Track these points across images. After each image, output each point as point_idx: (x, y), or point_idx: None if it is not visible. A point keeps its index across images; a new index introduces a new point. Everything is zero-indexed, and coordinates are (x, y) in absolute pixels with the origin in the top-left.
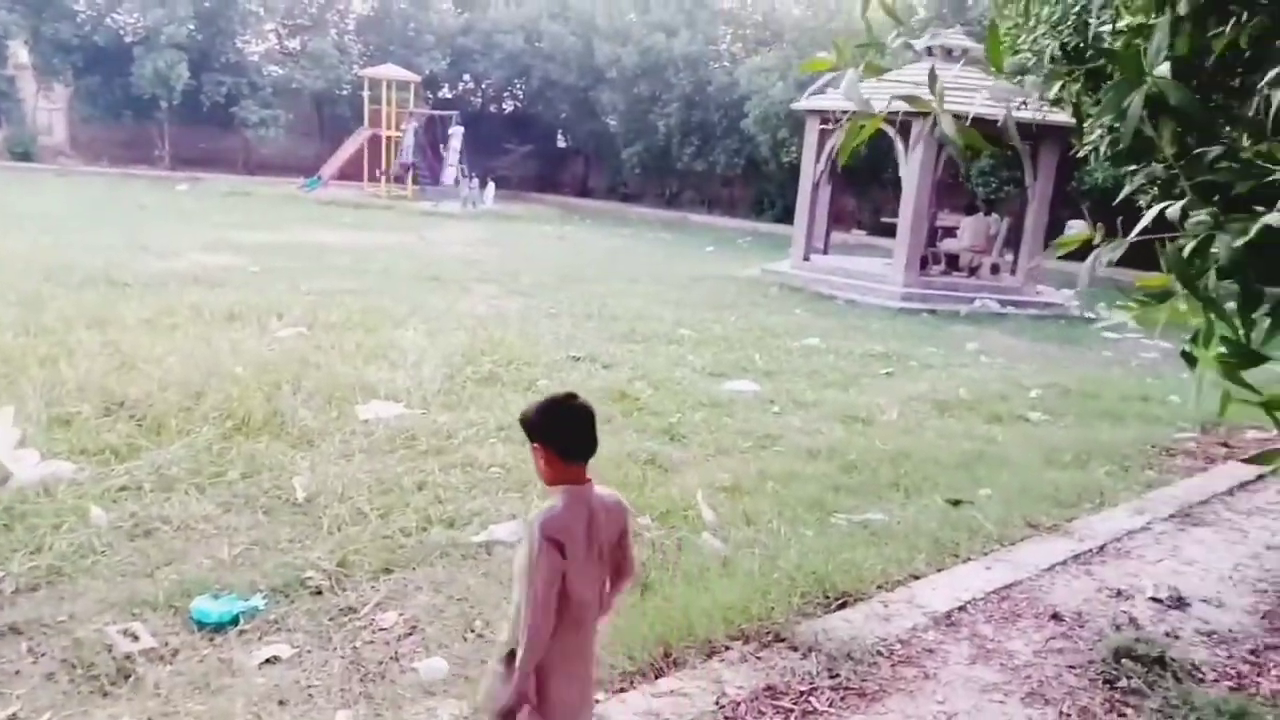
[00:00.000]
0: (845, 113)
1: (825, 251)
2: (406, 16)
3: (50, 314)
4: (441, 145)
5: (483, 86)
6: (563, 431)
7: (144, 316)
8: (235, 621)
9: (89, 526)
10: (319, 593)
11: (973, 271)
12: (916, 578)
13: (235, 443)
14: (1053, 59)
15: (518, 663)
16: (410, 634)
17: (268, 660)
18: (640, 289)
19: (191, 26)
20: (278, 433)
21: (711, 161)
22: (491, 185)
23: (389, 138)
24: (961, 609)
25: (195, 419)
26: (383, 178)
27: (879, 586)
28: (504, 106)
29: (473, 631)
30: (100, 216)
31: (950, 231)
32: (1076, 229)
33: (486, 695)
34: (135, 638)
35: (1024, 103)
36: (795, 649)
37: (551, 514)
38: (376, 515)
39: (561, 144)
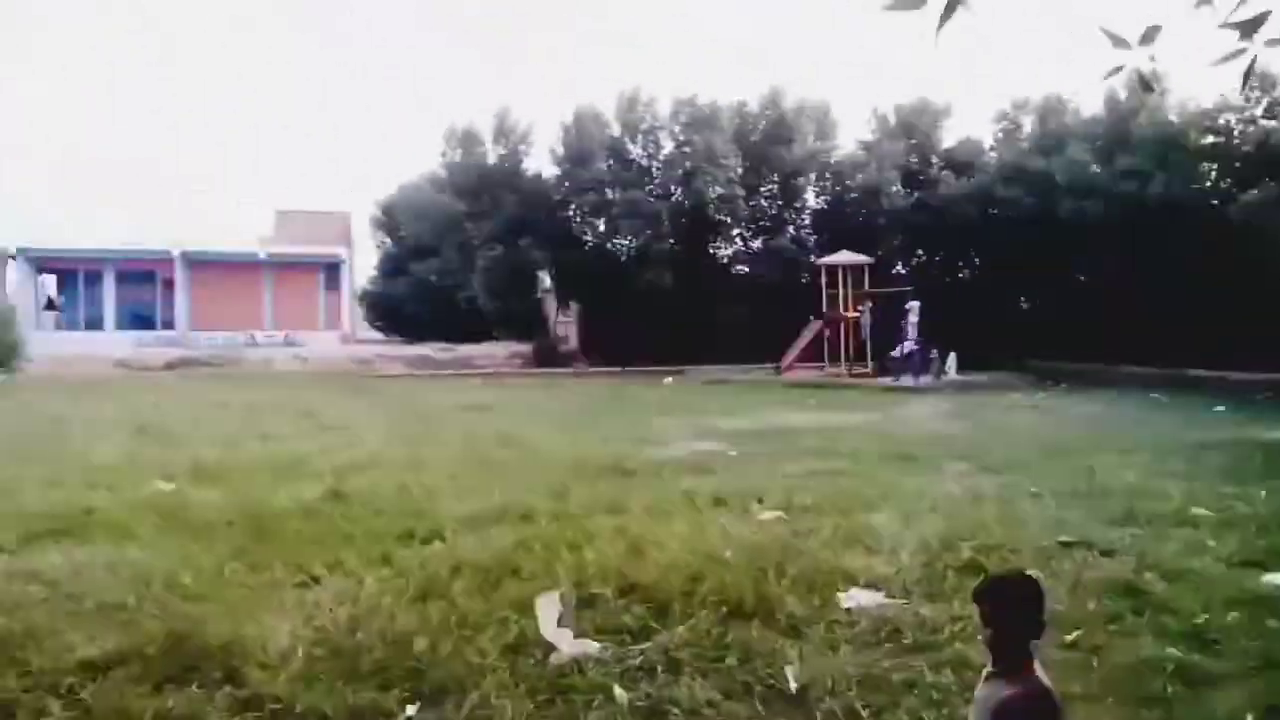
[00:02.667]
0: None
1: None
2: (858, 204)
3: (574, 502)
4: (902, 321)
5: (936, 259)
6: (1011, 611)
7: (647, 503)
8: None
9: (613, 704)
10: None
11: None
12: None
13: (731, 628)
14: None
15: None
16: None
17: None
18: (1136, 460)
19: (672, 240)
20: (767, 619)
21: (1210, 306)
22: (953, 356)
23: (846, 320)
24: None
25: (695, 603)
26: (843, 358)
27: None
28: (960, 276)
29: None
30: (606, 412)
31: None
32: None
33: None
34: None
35: None
36: None
37: (1012, 701)
38: (869, 715)
39: (1025, 306)
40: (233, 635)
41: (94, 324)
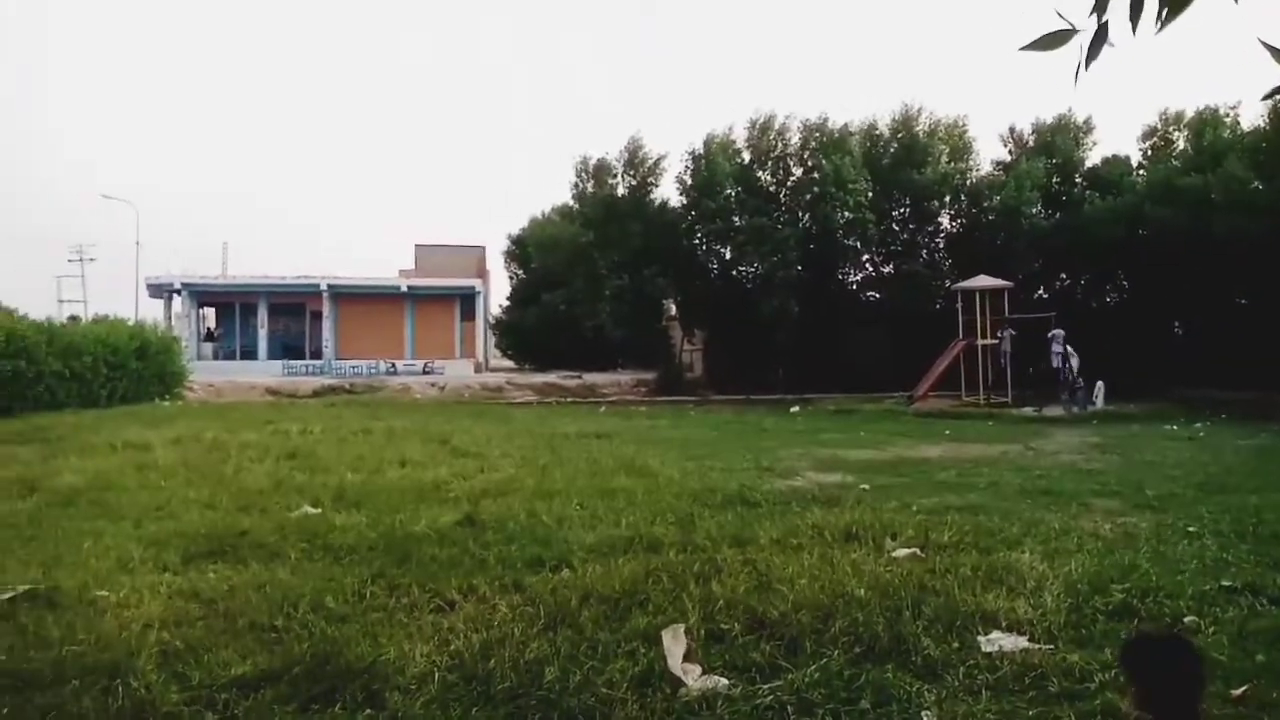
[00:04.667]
0: None
1: None
2: (995, 227)
3: (700, 533)
4: (1053, 351)
5: (1080, 282)
6: (1157, 675)
7: (774, 536)
8: None
9: None
10: None
11: None
12: None
13: (863, 669)
14: None
15: None
16: None
17: None
18: None
19: (800, 268)
20: (902, 661)
21: None
22: (1101, 385)
23: (983, 347)
24: None
25: (826, 641)
26: (980, 387)
27: None
28: (1106, 300)
29: None
30: (731, 441)
31: None
32: None
33: None
34: None
35: None
36: None
37: None
38: None
39: (1178, 331)
40: (373, 657)
41: (248, 353)
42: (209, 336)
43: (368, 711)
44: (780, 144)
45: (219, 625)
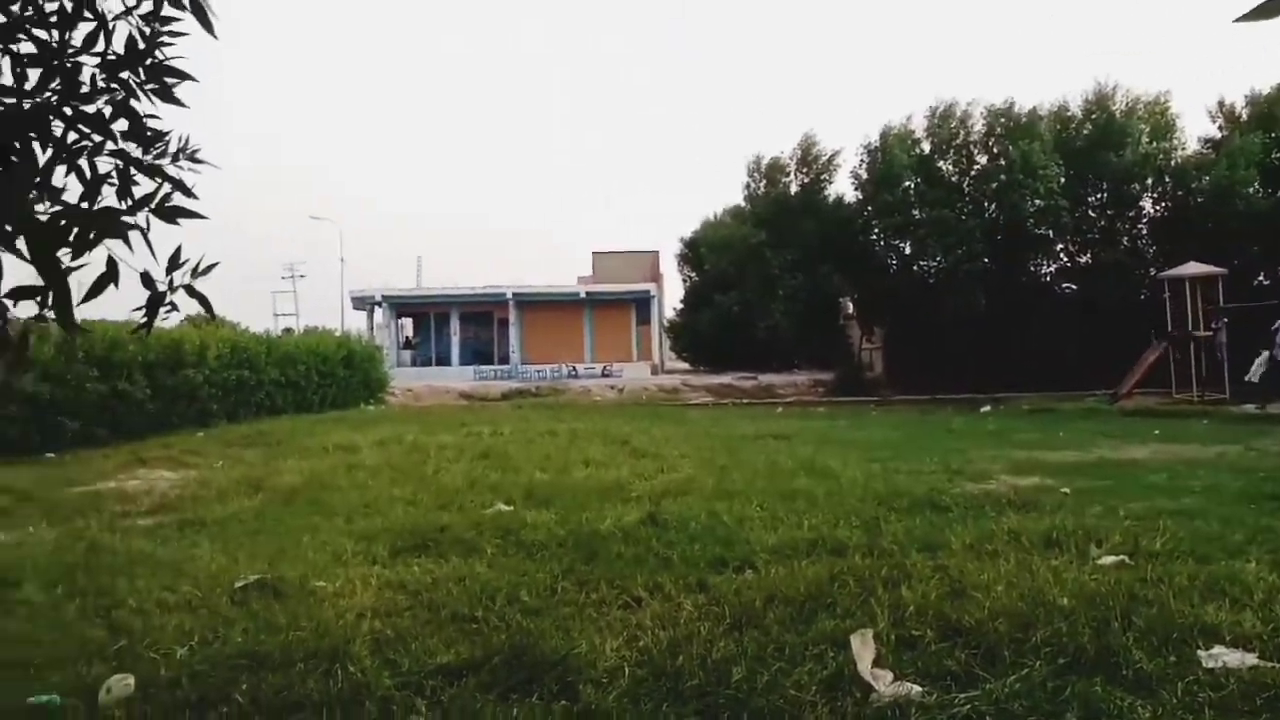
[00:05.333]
0: None
1: None
2: (1205, 210)
3: (886, 537)
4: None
5: None
6: None
7: (967, 541)
8: None
9: None
10: None
11: None
12: None
13: (1068, 681)
14: None
15: None
16: None
17: None
18: None
19: (986, 260)
20: (1112, 674)
21: None
22: None
23: (1197, 340)
24: None
25: (1026, 651)
26: (1193, 383)
27: None
28: None
29: None
30: (915, 442)
31: None
32: None
33: None
34: None
35: None
36: None
37: None
38: None
39: None
40: (565, 651)
41: (443, 360)
42: (407, 345)
43: (563, 702)
44: (962, 132)
45: (424, 615)
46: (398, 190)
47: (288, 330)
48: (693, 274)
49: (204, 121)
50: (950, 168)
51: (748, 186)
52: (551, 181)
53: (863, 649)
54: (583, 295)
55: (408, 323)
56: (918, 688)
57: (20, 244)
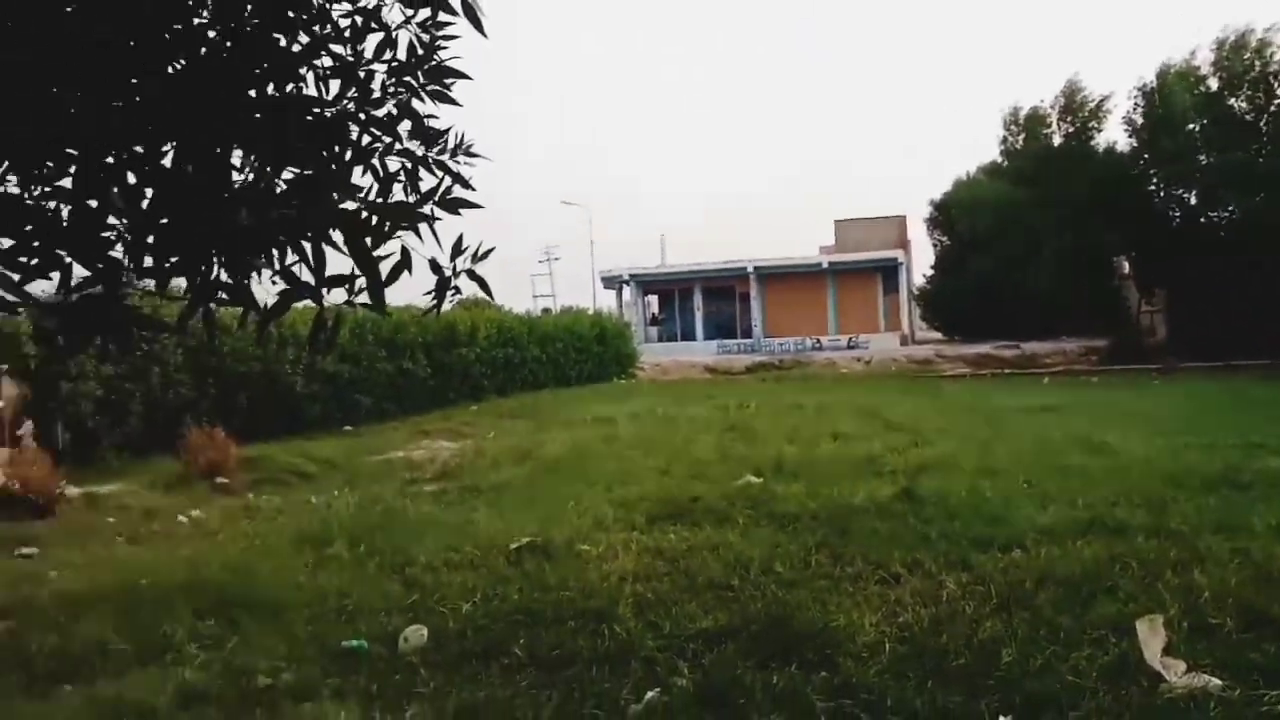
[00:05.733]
0: None
1: None
2: None
3: (1175, 518)
4: None
5: None
6: None
7: (1272, 522)
8: None
9: None
10: None
11: None
12: None
13: None
14: None
15: None
16: None
17: None
18: None
19: None
20: None
21: None
22: None
23: None
24: None
25: None
26: None
27: None
28: None
29: None
30: (1207, 414)
31: None
32: None
33: None
34: None
35: None
36: None
37: None
38: None
39: None
40: (823, 623)
41: (687, 334)
42: (653, 321)
43: (822, 674)
44: (1258, 64)
45: (681, 581)
46: (641, 168)
47: (545, 310)
48: (943, 238)
49: (458, 111)
50: (1244, 105)
51: (1004, 141)
52: (790, 149)
53: (1151, 636)
54: (825, 265)
55: (653, 299)
56: (1216, 680)
57: (336, 238)
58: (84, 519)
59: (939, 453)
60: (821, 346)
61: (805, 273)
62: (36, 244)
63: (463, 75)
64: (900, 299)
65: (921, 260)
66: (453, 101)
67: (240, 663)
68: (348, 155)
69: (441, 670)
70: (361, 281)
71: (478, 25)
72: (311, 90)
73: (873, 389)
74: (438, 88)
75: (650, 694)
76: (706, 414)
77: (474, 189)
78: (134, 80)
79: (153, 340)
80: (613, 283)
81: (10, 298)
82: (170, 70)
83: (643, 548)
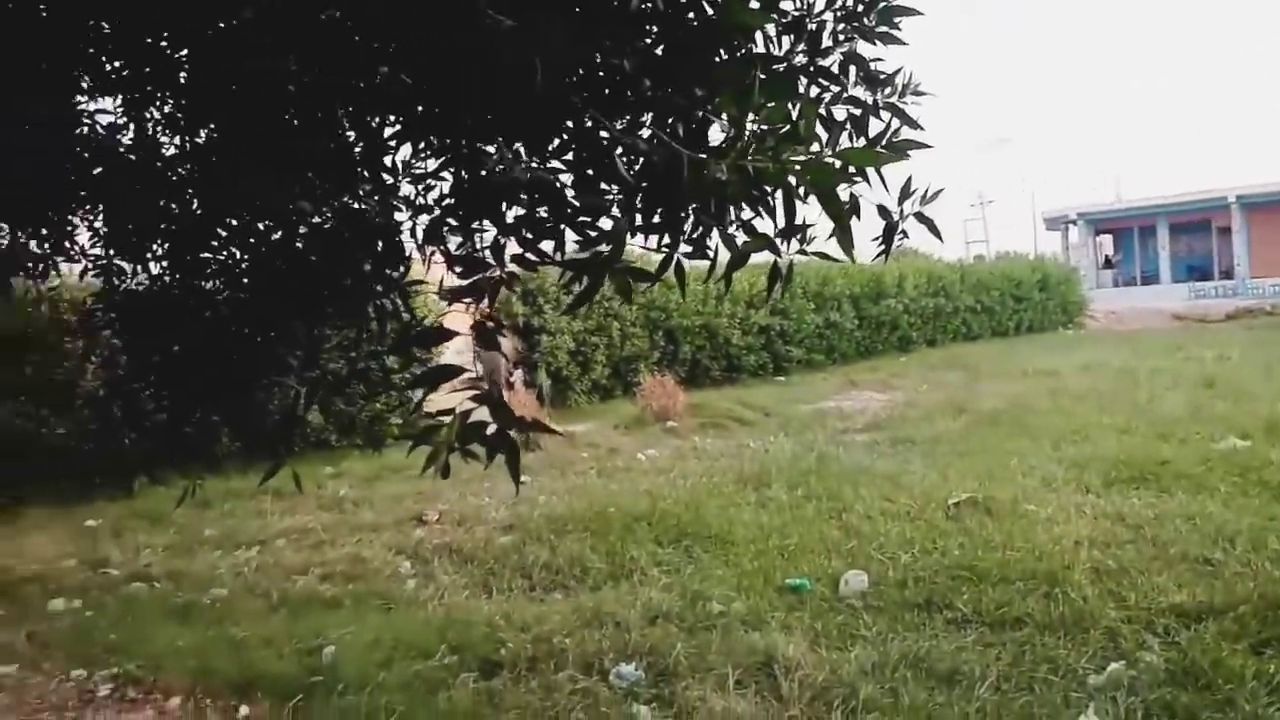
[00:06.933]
0: None
1: None
2: None
3: None
4: None
5: None
6: None
7: None
8: None
9: None
10: None
11: None
12: None
13: None
14: None
15: None
16: None
17: None
18: None
19: None
20: None
21: None
22: None
23: None
24: None
25: None
26: None
27: None
28: None
29: None
30: None
31: None
32: None
33: None
34: None
35: None
36: None
37: None
38: None
39: None
40: None
41: (1148, 278)
42: (1106, 264)
43: None
44: None
45: (1148, 551)
46: (1083, 105)
47: (979, 257)
48: None
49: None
50: None
51: None
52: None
53: None
54: None
55: (1106, 240)
56: None
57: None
58: (562, 453)
59: None
60: None
61: None
62: (543, 213)
63: (913, 12)
64: None
65: None
66: (900, 42)
67: (696, 588)
68: (796, 107)
69: (883, 616)
70: (813, 230)
71: None
72: (760, 48)
73: None
74: (887, 28)
75: (1114, 665)
76: (1174, 366)
77: (923, 128)
78: (612, 60)
79: (637, 291)
80: (1057, 224)
81: (531, 257)
82: (643, 45)
83: (1100, 512)
